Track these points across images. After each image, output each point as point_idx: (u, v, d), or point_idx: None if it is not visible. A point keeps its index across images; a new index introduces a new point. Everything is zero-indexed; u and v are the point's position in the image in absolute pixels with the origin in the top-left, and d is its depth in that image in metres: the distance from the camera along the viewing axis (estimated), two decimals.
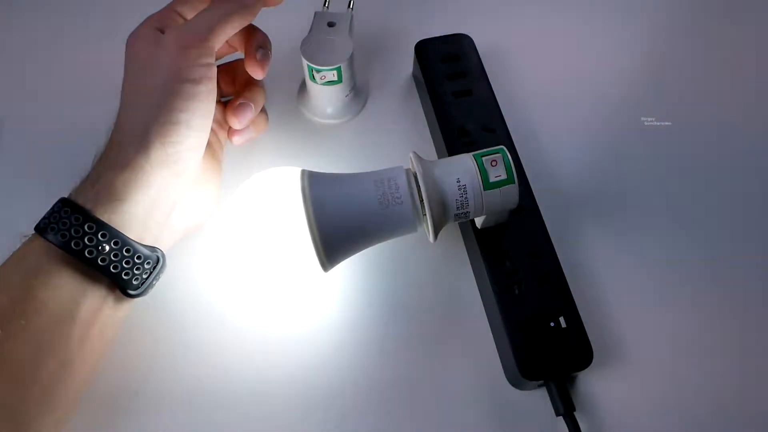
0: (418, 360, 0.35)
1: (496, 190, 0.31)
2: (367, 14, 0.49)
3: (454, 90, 0.42)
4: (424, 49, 0.44)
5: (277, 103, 0.45)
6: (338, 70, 0.40)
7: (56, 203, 0.29)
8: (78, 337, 0.28)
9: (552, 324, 0.33)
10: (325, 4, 0.43)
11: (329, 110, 0.44)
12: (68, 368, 0.28)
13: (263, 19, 0.36)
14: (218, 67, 0.35)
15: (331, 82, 0.41)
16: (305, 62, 0.40)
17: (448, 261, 0.38)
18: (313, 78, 0.41)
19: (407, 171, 0.32)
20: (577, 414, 0.32)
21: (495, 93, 0.42)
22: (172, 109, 0.30)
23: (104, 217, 0.29)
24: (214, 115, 0.35)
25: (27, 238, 0.29)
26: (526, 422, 0.33)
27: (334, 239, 0.31)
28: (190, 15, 0.34)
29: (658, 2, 0.51)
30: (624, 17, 0.50)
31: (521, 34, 0.49)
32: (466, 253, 0.39)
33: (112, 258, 0.29)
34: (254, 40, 0.37)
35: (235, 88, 0.40)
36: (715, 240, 0.39)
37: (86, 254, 0.28)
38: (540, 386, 0.33)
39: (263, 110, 0.41)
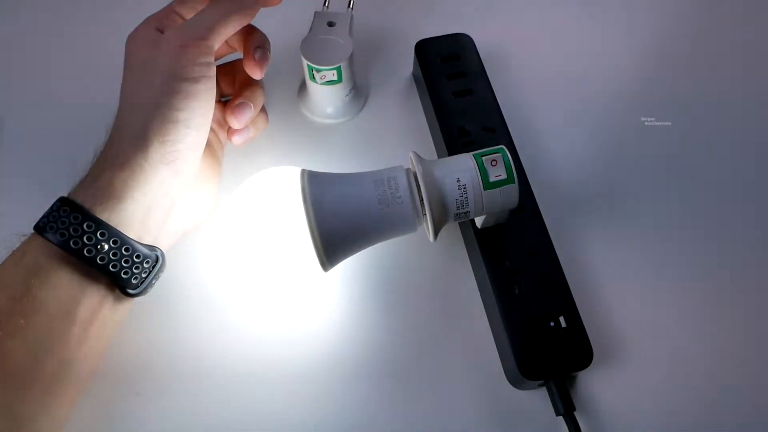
0: (418, 360, 0.35)
1: (496, 190, 0.31)
2: (367, 14, 0.49)
3: (454, 90, 0.42)
4: (424, 49, 0.44)
5: (277, 103, 0.45)
6: (338, 69, 0.40)
7: (55, 202, 0.29)
8: (77, 336, 0.28)
9: (552, 324, 0.33)
10: (325, 4, 0.43)
11: (329, 110, 0.44)
12: (67, 367, 0.28)
13: (263, 19, 0.36)
14: (218, 67, 0.35)
15: (331, 82, 0.41)
16: (305, 62, 0.40)
17: (448, 261, 0.38)
18: (313, 78, 0.41)
19: (407, 170, 0.32)
20: (577, 414, 0.32)
21: (495, 93, 0.42)
22: (170, 108, 0.30)
23: (103, 216, 0.29)
24: (214, 114, 0.35)
25: (26, 237, 0.29)
26: (526, 422, 0.33)
27: (334, 239, 0.31)
28: (189, 15, 0.34)
29: (658, 2, 0.51)
30: (624, 17, 0.50)
31: (521, 34, 0.49)
32: (466, 253, 0.39)
33: (111, 257, 0.28)
34: (253, 40, 0.37)
35: (234, 88, 0.40)
36: (715, 240, 0.39)
37: (85, 253, 0.28)
38: (540, 386, 0.33)
39: (263, 110, 0.41)
